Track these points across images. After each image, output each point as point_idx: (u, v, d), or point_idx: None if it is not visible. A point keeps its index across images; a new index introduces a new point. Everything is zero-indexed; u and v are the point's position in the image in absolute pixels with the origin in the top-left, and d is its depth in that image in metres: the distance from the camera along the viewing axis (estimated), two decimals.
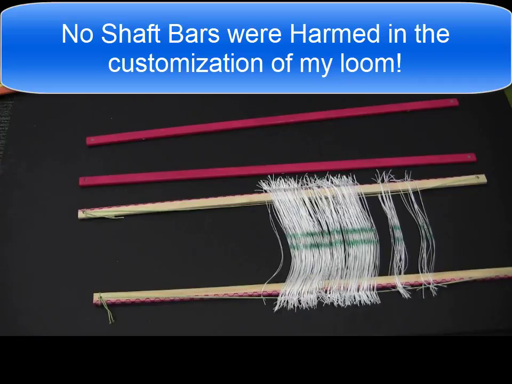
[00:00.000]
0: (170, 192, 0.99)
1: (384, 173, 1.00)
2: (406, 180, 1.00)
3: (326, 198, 0.96)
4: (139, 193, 0.99)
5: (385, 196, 0.97)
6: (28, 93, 1.11)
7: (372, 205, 0.96)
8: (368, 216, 0.95)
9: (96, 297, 0.85)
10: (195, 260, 0.92)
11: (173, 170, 1.02)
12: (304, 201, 0.96)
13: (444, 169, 1.02)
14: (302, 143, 1.07)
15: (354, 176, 1.00)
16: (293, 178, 1.00)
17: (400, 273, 0.89)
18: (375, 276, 0.89)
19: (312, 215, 0.95)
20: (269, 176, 1.00)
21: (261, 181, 1.00)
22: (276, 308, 0.86)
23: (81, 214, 0.95)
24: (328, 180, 0.99)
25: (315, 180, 0.99)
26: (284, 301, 0.87)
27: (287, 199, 0.95)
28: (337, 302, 0.86)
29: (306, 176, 1.00)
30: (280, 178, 1.00)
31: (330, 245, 0.91)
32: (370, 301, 0.87)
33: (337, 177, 1.00)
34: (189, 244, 0.94)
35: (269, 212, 0.96)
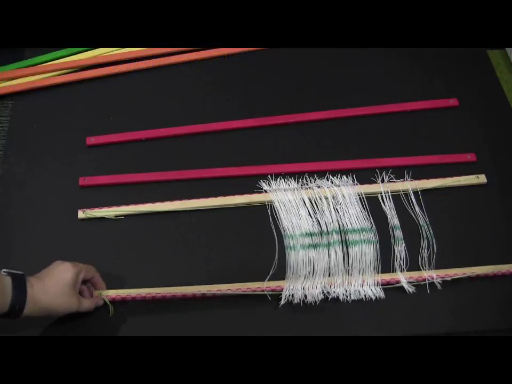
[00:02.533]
0: (170, 192, 0.99)
1: (384, 173, 1.00)
2: (406, 180, 1.00)
3: (326, 198, 0.96)
4: (139, 193, 0.99)
5: (385, 196, 0.97)
6: (28, 93, 1.12)
7: (372, 205, 0.96)
8: (368, 216, 0.94)
9: (96, 293, 0.85)
10: (195, 260, 0.92)
11: (173, 170, 1.02)
12: (304, 201, 0.96)
13: (444, 169, 1.02)
14: (302, 143, 1.07)
15: (354, 176, 1.00)
16: (293, 178, 1.00)
17: (402, 271, 0.90)
18: (378, 273, 0.89)
19: (312, 215, 0.94)
20: (269, 176, 1.00)
21: (261, 181, 0.99)
22: (282, 302, 0.86)
23: (81, 214, 0.95)
24: (328, 180, 0.99)
25: (315, 180, 0.99)
26: (289, 295, 0.86)
27: (287, 199, 0.95)
28: (343, 296, 0.87)
29: (306, 176, 1.00)
30: (280, 178, 0.99)
31: (329, 245, 0.91)
32: (375, 295, 0.87)
33: (337, 177, 0.99)
34: (189, 243, 0.94)
35: (269, 212, 0.95)
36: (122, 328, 0.86)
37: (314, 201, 0.96)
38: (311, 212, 0.94)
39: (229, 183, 1.01)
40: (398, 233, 0.93)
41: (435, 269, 0.90)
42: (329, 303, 0.88)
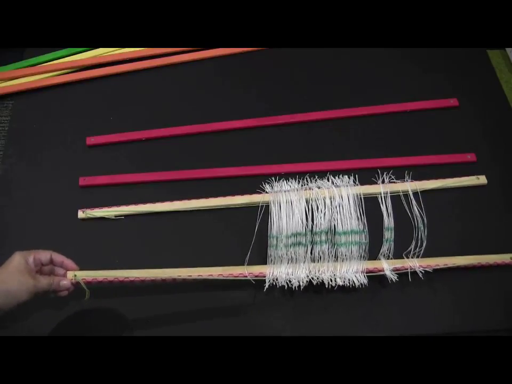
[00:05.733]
0: (170, 192, 0.99)
1: (385, 174, 1.00)
2: (406, 180, 0.99)
3: (324, 198, 0.94)
4: (139, 193, 0.99)
5: (385, 196, 0.97)
6: (28, 93, 1.12)
7: (371, 204, 0.96)
8: (362, 217, 0.93)
9: (70, 275, 0.80)
10: (196, 260, 0.92)
11: (173, 170, 1.02)
12: (300, 202, 0.94)
13: (444, 169, 1.02)
14: (302, 143, 1.07)
15: (354, 176, 0.99)
16: (293, 179, 0.99)
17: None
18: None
19: (305, 216, 0.93)
20: (272, 178, 0.99)
21: (263, 182, 0.99)
22: (266, 287, 0.86)
23: (81, 214, 0.95)
24: (328, 180, 0.98)
25: (315, 180, 0.98)
26: (274, 279, 0.86)
27: (284, 200, 0.94)
28: (328, 280, 0.86)
29: (307, 177, 1.00)
30: (282, 180, 0.99)
31: (314, 244, 0.90)
32: (359, 282, 0.87)
33: (338, 178, 0.99)
34: (189, 244, 0.94)
35: (262, 212, 0.95)
36: (121, 328, 0.86)
37: (310, 202, 0.94)
38: (306, 213, 0.93)
39: (229, 183, 1.01)
40: (390, 234, 0.93)
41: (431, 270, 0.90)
42: (325, 301, 0.89)
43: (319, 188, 0.96)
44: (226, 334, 0.84)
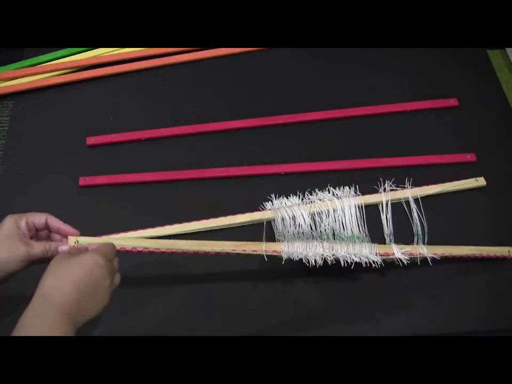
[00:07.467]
0: (170, 192, 0.99)
1: (386, 182, 0.99)
2: (407, 187, 0.98)
3: (328, 211, 0.93)
4: (139, 193, 0.99)
5: (386, 204, 0.96)
6: (28, 93, 1.12)
7: (369, 210, 0.95)
8: (363, 225, 0.93)
9: (72, 241, 0.72)
10: (198, 266, 0.92)
11: (173, 170, 1.02)
12: (303, 215, 0.93)
13: (444, 169, 1.02)
14: (302, 143, 1.07)
15: (353, 176, 0.99)
16: (295, 195, 0.97)
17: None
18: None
19: (309, 226, 0.92)
20: (272, 195, 0.97)
21: (264, 203, 0.96)
22: (283, 261, 0.84)
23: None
24: (329, 192, 0.97)
25: (316, 193, 0.97)
26: (290, 254, 0.84)
27: (288, 215, 0.93)
28: (344, 257, 0.85)
29: (307, 177, 1.00)
30: (282, 196, 0.97)
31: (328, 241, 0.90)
32: (374, 261, 0.85)
33: (337, 182, 0.98)
34: (191, 259, 0.93)
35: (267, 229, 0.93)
36: (121, 329, 0.86)
37: (311, 215, 0.93)
38: (309, 224, 0.92)
39: (228, 183, 1.01)
40: (390, 241, 0.92)
41: (431, 271, 0.89)
42: (326, 300, 0.89)
43: (320, 200, 0.95)
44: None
